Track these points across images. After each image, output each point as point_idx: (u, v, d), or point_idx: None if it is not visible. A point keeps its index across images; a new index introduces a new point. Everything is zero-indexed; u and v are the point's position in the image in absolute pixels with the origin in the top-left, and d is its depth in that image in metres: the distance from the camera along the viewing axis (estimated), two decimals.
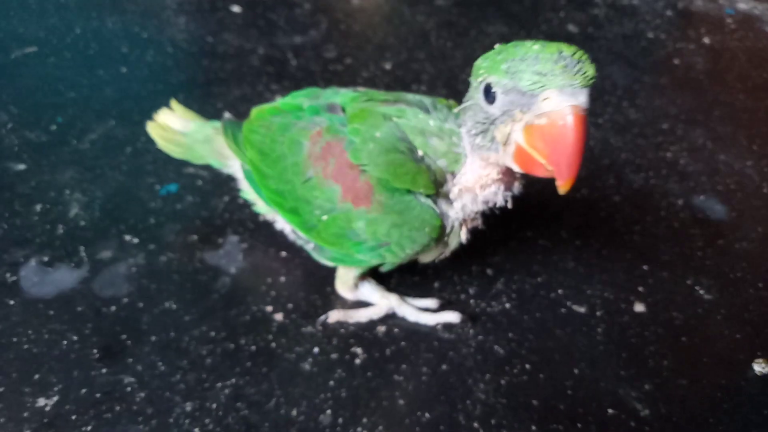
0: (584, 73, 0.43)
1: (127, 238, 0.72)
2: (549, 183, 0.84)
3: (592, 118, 1.03)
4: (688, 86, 1.18)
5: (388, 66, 1.11)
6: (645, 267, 0.76)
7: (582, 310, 0.70)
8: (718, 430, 0.60)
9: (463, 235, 0.57)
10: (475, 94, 0.49)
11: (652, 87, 1.16)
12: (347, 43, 1.17)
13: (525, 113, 0.45)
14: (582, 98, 0.43)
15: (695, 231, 0.83)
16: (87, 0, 1.19)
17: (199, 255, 0.71)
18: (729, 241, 0.82)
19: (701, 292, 0.74)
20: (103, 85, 0.98)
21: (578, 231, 0.81)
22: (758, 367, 0.66)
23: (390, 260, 0.58)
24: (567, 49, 0.44)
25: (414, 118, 0.55)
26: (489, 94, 0.47)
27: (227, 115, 0.70)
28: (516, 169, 0.49)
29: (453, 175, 0.55)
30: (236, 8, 1.24)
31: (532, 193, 0.84)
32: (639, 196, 0.88)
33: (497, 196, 0.54)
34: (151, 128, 0.72)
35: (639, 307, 0.71)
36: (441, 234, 0.55)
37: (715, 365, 0.66)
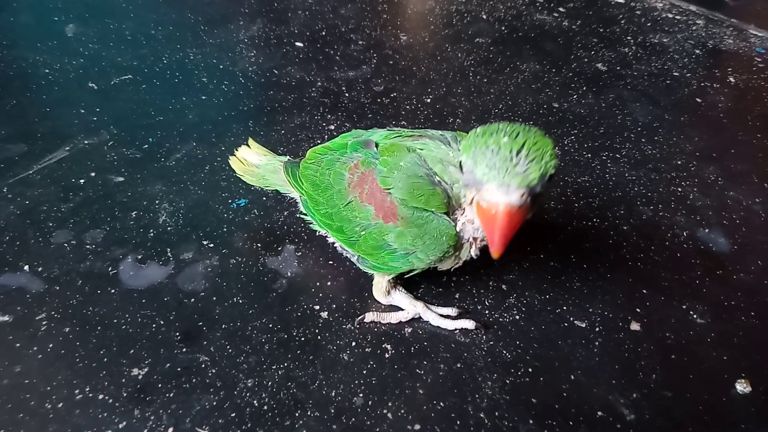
0: (527, 175, 0.49)
1: (205, 242, 0.79)
2: (561, 213, 0.93)
3: (611, 153, 1.08)
4: (707, 124, 1.19)
5: (428, 99, 1.16)
6: (644, 290, 0.79)
7: (583, 325, 0.74)
8: None
9: (473, 251, 0.63)
10: None
11: (672, 124, 1.18)
12: (394, 77, 1.21)
13: (477, 191, 0.52)
14: (514, 197, 0.49)
15: (696, 261, 0.85)
16: (173, 34, 1.27)
17: (261, 260, 0.77)
18: (728, 272, 0.83)
19: (695, 316, 0.77)
20: (186, 110, 1.04)
21: (587, 255, 0.83)
22: (740, 386, 0.69)
23: (417, 266, 0.63)
24: (527, 149, 0.49)
25: (436, 149, 0.60)
26: (461, 166, 0.55)
27: (287, 157, 0.77)
28: (477, 222, 0.57)
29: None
30: (299, 44, 1.31)
31: (547, 221, 0.93)
32: (647, 226, 0.90)
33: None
34: (233, 161, 0.80)
35: (635, 326, 0.74)
36: (457, 242, 0.60)
37: (700, 381, 0.68)
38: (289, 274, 0.77)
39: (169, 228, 0.81)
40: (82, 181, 0.88)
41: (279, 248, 0.80)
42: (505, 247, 0.53)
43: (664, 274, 0.82)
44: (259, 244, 0.81)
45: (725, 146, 1.14)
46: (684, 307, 0.78)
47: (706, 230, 0.92)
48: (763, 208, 0.97)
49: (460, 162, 0.54)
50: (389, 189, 0.60)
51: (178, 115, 1.04)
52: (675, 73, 1.38)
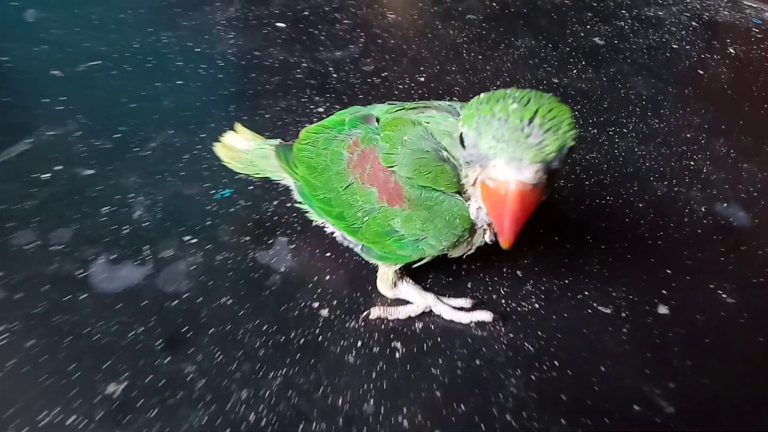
0: (542, 147, 0.43)
1: (186, 238, 0.75)
2: (573, 191, 0.87)
3: (617, 128, 1.04)
4: (712, 97, 1.18)
5: (422, 78, 1.13)
6: (668, 271, 0.77)
7: (607, 310, 0.71)
8: (740, 429, 0.60)
9: (487, 237, 0.58)
10: None
11: (677, 97, 1.16)
12: (384, 57, 1.19)
13: (482, 168, 0.47)
14: (527, 174, 0.43)
15: (718, 237, 0.83)
16: (144, 17, 1.23)
17: (251, 254, 0.73)
18: (751, 248, 0.81)
19: (723, 296, 0.74)
20: (161, 97, 1.01)
21: (603, 236, 0.81)
22: None
23: (429, 253, 0.59)
24: (542, 114, 0.43)
25: (443, 121, 0.56)
26: (461, 140, 0.49)
27: (279, 141, 0.74)
28: (484, 210, 0.51)
29: None
30: (281, 24, 1.27)
31: (558, 201, 0.87)
32: (662, 203, 0.88)
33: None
34: (218, 148, 0.76)
35: (662, 309, 0.72)
36: (472, 225, 0.56)
37: (737, 366, 0.66)
38: (282, 269, 0.73)
39: (145, 223, 0.77)
40: (47, 175, 0.83)
41: (270, 241, 0.76)
42: (517, 235, 0.47)
43: (686, 253, 0.80)
44: (247, 238, 0.77)
45: (732, 119, 1.12)
46: (711, 286, 0.76)
47: (724, 204, 0.90)
48: None
49: (461, 135, 0.49)
50: (393, 167, 0.56)
51: (153, 101, 1.00)
52: (674, 46, 1.36)
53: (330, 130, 0.64)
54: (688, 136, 1.05)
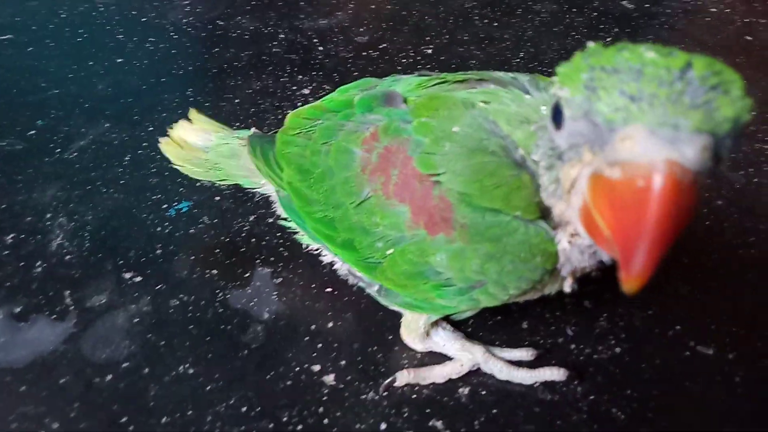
0: (710, 109, 0.30)
1: (127, 276, 0.63)
2: None
3: None
4: (767, 66, 1.08)
5: (429, 50, 1.03)
6: None
7: (710, 351, 0.61)
8: None
9: (567, 286, 0.46)
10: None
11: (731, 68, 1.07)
12: (380, 25, 1.10)
13: (596, 154, 0.33)
14: (689, 151, 0.29)
15: None
16: None
17: (221, 296, 0.62)
18: None
19: None
20: (95, 79, 0.91)
21: (684, 245, 0.69)
22: None
23: (486, 304, 0.47)
24: (701, 66, 0.30)
25: (512, 102, 0.44)
26: (558, 115, 0.35)
27: (253, 130, 0.63)
28: (581, 231, 0.38)
29: None
30: None
31: None
32: (745, 197, 0.80)
33: (594, 251, 0.41)
34: (165, 146, 0.64)
35: None
36: (556, 264, 0.43)
37: None
38: (266, 315, 0.60)
39: (68, 257, 0.64)
40: None
41: (247, 275, 0.64)
42: (656, 268, 0.31)
43: None
44: (215, 271, 0.64)
45: None
46: None
47: None
48: None
49: (555, 105, 0.35)
50: (437, 175, 0.44)
51: (83, 86, 0.88)
52: (712, 9, 1.27)
53: (332, 115, 0.52)
54: (754, 113, 0.95)
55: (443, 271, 0.45)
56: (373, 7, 1.14)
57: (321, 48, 1.01)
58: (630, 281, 0.31)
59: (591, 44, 0.35)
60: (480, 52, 1.02)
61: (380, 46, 1.03)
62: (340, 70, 0.96)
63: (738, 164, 0.86)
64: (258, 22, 1.06)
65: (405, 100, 0.49)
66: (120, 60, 0.94)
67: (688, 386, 0.58)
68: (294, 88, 0.92)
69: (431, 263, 0.45)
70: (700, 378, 0.58)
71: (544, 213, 0.41)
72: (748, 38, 1.18)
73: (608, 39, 1.12)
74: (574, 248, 0.42)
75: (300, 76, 0.94)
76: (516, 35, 1.08)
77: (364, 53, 1.00)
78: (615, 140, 0.31)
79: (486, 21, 1.12)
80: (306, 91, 0.91)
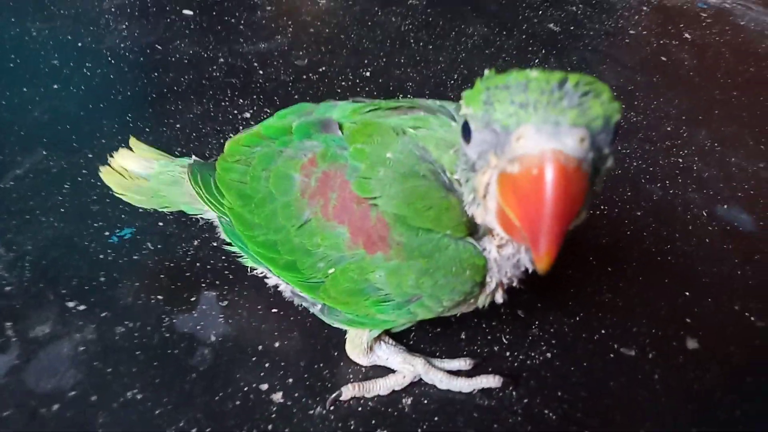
0: (581, 107, 0.34)
1: (71, 305, 0.61)
2: None
3: None
4: (681, 84, 1.16)
5: (367, 73, 1.04)
6: (687, 293, 0.71)
7: (632, 353, 0.64)
8: None
9: (499, 296, 0.48)
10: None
11: (647, 86, 1.13)
12: (319, 48, 1.10)
13: (499, 156, 0.36)
14: (569, 141, 0.33)
15: (728, 246, 0.79)
16: (4, 3, 1.08)
17: (167, 321, 0.61)
18: (765, 256, 0.78)
19: (752, 318, 0.69)
20: (30, 106, 0.89)
21: (607, 255, 0.75)
22: None
23: (423, 317, 0.49)
24: (574, 79, 0.35)
25: (440, 128, 0.46)
26: (466, 131, 0.39)
27: (194, 158, 0.63)
28: (501, 232, 0.40)
29: None
30: (187, 11, 1.15)
31: None
32: (662, 209, 0.84)
33: (517, 259, 0.44)
34: (106, 174, 0.63)
35: (692, 343, 0.66)
36: (485, 276, 0.45)
37: None
38: (213, 338, 0.60)
39: (7, 288, 0.62)
40: None
41: (193, 299, 0.64)
42: (560, 244, 0.35)
43: (700, 268, 0.76)
44: (160, 297, 0.64)
45: (707, 108, 1.10)
46: (736, 308, 0.71)
47: (725, 206, 0.86)
48: None
49: (464, 122, 0.39)
50: (373, 198, 0.45)
51: (17, 113, 0.87)
52: (631, 32, 1.34)
53: (270, 142, 0.53)
54: (669, 129, 1.02)
55: (382, 287, 0.46)
56: (312, 30, 1.14)
57: (261, 72, 1.00)
58: (540, 260, 0.35)
59: (486, 73, 0.39)
60: (416, 75, 1.04)
61: (320, 69, 1.03)
62: (281, 93, 0.96)
63: (656, 176, 0.90)
64: (197, 46, 1.04)
65: (341, 127, 0.50)
66: (56, 86, 0.91)
67: (612, 386, 0.60)
68: (235, 112, 0.91)
69: (371, 280, 0.46)
70: (624, 378, 0.61)
71: (472, 230, 0.43)
72: (663, 58, 1.24)
73: (536, 60, 1.15)
74: (502, 258, 0.44)
75: (241, 100, 0.93)
76: (449, 57, 1.10)
77: (303, 76, 1.00)
78: (511, 140, 0.35)
79: (421, 44, 1.14)
80: (247, 115, 0.91)
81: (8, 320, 0.58)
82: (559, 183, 0.32)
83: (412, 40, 1.15)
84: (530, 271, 0.45)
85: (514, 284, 0.47)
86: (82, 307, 0.61)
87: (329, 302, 0.50)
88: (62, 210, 0.71)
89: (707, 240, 0.79)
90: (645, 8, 1.46)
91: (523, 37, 1.23)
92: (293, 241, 0.49)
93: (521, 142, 0.34)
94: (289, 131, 0.51)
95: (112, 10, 1.11)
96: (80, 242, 0.68)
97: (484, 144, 0.37)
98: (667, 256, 0.76)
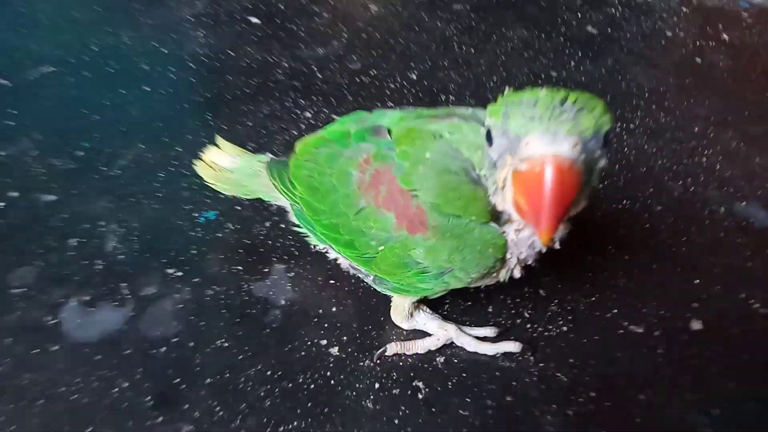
0: (578, 122, 0.42)
1: (170, 271, 0.71)
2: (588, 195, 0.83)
3: (624, 123, 1.04)
4: (713, 86, 1.17)
5: (413, 76, 1.09)
6: (696, 281, 0.76)
7: (640, 330, 0.69)
8: None
9: (517, 272, 0.56)
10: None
11: (678, 88, 1.15)
12: (370, 53, 1.15)
13: (513, 157, 0.45)
14: (564, 146, 0.42)
15: (741, 240, 0.82)
16: (100, 15, 1.17)
17: (246, 287, 0.70)
18: None
19: (756, 305, 0.73)
20: (128, 106, 0.96)
21: (625, 244, 0.80)
22: None
23: (455, 286, 0.56)
24: (573, 97, 0.43)
25: (472, 133, 0.53)
26: (489, 137, 0.47)
27: (269, 155, 0.70)
28: (516, 217, 0.48)
29: None
30: (255, 20, 1.22)
31: None
32: (681, 205, 0.88)
33: (532, 241, 0.53)
34: (200, 167, 0.73)
35: (696, 325, 0.70)
36: (505, 254, 0.53)
37: None
38: (282, 302, 0.69)
39: (120, 257, 0.72)
40: (1, 204, 0.78)
41: (266, 270, 0.72)
42: (558, 224, 0.44)
43: (712, 260, 0.79)
44: (240, 267, 0.73)
45: (737, 109, 1.11)
46: (742, 296, 0.75)
47: (743, 203, 0.89)
48: None
49: (488, 131, 0.47)
50: (414, 190, 0.52)
51: (118, 112, 0.95)
52: (668, 33, 1.35)
53: (333, 144, 0.60)
54: (696, 129, 1.04)
55: (421, 261, 0.53)
56: (364, 36, 1.20)
57: (320, 75, 1.06)
58: (541, 236, 0.44)
59: (507, 91, 0.48)
60: (458, 77, 1.09)
61: (371, 72, 1.09)
62: (337, 95, 1.02)
63: (678, 174, 0.93)
64: (264, 52, 1.11)
65: (389, 132, 0.57)
66: (147, 89, 1.00)
67: (619, 357, 0.66)
68: (297, 111, 0.98)
69: (412, 256, 0.53)
70: (630, 351, 0.66)
71: (495, 217, 0.51)
72: (698, 59, 1.23)
73: (572, 63, 1.19)
74: (519, 240, 0.51)
75: (302, 101, 1.00)
76: (490, 60, 1.15)
77: (357, 79, 1.06)
78: (522, 145, 0.43)
79: (464, 47, 1.19)
80: (308, 114, 0.97)
81: (123, 282, 0.68)
82: (556, 178, 0.41)
83: (455, 44, 1.20)
84: (543, 251, 0.53)
85: (530, 262, 0.55)
86: (179, 274, 0.70)
87: (379, 273, 0.58)
88: (159, 195, 0.80)
89: (722, 234, 0.82)
90: (684, 9, 1.45)
91: (561, 39, 1.26)
92: (351, 224, 0.56)
93: (528, 147, 0.42)
94: (348, 135, 0.59)
95: (190, 19, 1.19)
96: (175, 221, 0.77)
97: (502, 147, 0.45)
98: (681, 247, 0.80)
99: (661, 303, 0.72)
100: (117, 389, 0.58)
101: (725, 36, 1.35)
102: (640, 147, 0.98)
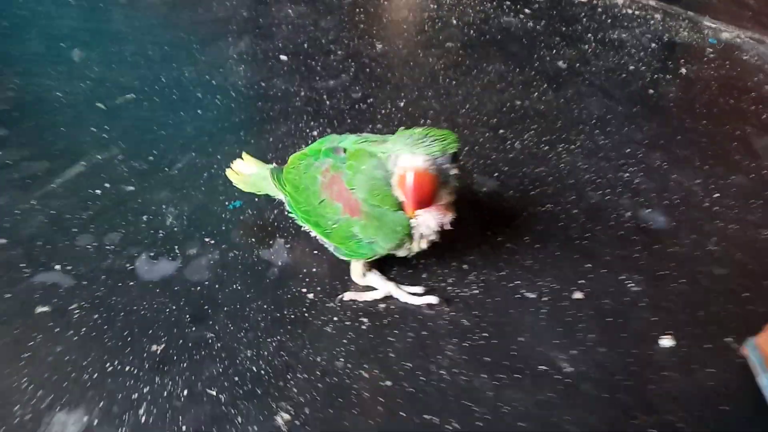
0: (429, 147, 0.61)
1: (207, 240, 0.85)
2: (519, 200, 1.00)
3: (566, 144, 1.18)
4: (657, 114, 1.26)
5: (401, 103, 1.21)
6: (588, 265, 0.87)
7: (533, 295, 0.82)
8: (624, 384, 0.70)
9: (424, 244, 0.70)
10: None
11: (624, 116, 1.27)
12: (370, 84, 1.26)
13: (398, 166, 0.62)
14: (419, 161, 0.61)
15: (637, 238, 0.93)
16: (168, 53, 1.30)
17: (256, 252, 0.84)
18: (663, 246, 0.91)
19: (631, 285, 0.84)
20: (184, 124, 1.09)
21: (539, 237, 0.92)
22: (664, 341, 0.77)
23: (379, 252, 0.70)
24: (433, 133, 0.61)
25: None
26: (392, 156, 0.64)
27: (273, 165, 0.83)
28: (402, 199, 0.65)
29: None
30: (284, 57, 1.34)
31: (504, 208, 1.01)
32: (594, 209, 0.98)
33: (430, 222, 0.68)
34: (229, 173, 0.87)
35: (577, 295, 0.82)
36: (410, 233, 0.68)
37: (630, 338, 0.76)
38: (280, 263, 0.85)
39: (175, 229, 0.88)
40: (98, 191, 0.93)
41: (271, 242, 0.87)
42: (418, 206, 0.63)
43: (607, 250, 0.90)
44: (253, 239, 0.88)
45: (672, 134, 1.23)
46: (622, 277, 0.86)
47: (648, 210, 1.00)
48: (701, 188, 1.06)
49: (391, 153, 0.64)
50: (353, 189, 0.68)
51: (178, 129, 1.08)
52: (630, 67, 1.46)
53: (310, 158, 0.74)
54: (628, 150, 1.17)
55: (357, 234, 0.68)
56: (368, 70, 1.32)
57: (328, 102, 1.19)
58: (409, 212, 0.63)
59: (401, 128, 0.64)
60: (438, 105, 1.21)
61: (368, 101, 1.20)
62: (339, 118, 1.14)
63: (600, 186, 1.05)
64: (288, 83, 1.23)
65: (345, 151, 0.68)
66: (199, 111, 1.12)
67: (511, 313, 0.78)
68: (307, 131, 1.10)
69: (353, 232, 0.68)
70: (521, 309, 0.79)
71: (403, 207, 0.64)
72: (650, 91, 1.35)
73: (536, 93, 1.32)
74: (419, 222, 0.66)
75: (312, 122, 1.12)
76: (466, 91, 1.27)
77: (356, 105, 1.18)
78: (399, 160, 0.61)
79: (447, 80, 1.31)
80: (315, 133, 1.10)
81: (176, 245, 0.83)
82: (415, 180, 0.59)
83: (441, 77, 1.32)
84: (440, 229, 0.68)
85: (433, 238, 0.69)
86: (212, 242, 0.84)
87: (335, 243, 0.72)
88: (203, 188, 0.94)
89: (621, 233, 0.93)
90: (653, 45, 1.55)
91: (532, 73, 1.36)
92: (317, 210, 0.71)
93: (401, 161, 0.60)
94: (320, 152, 0.71)
95: (234, 56, 1.32)
96: (212, 207, 0.90)
97: (393, 160, 0.62)
98: (584, 241, 0.91)
99: (555, 278, 0.84)
100: (168, 310, 0.74)
101: (683, 70, 1.46)
102: (573, 164, 1.13)
